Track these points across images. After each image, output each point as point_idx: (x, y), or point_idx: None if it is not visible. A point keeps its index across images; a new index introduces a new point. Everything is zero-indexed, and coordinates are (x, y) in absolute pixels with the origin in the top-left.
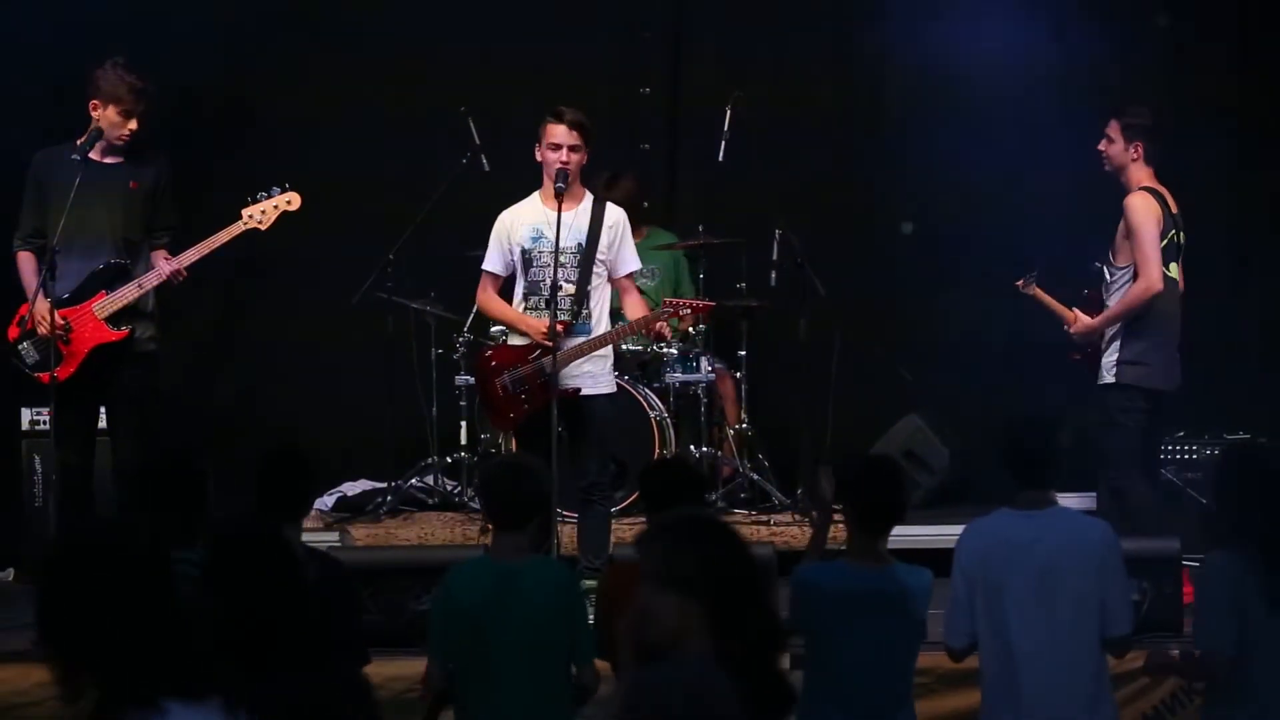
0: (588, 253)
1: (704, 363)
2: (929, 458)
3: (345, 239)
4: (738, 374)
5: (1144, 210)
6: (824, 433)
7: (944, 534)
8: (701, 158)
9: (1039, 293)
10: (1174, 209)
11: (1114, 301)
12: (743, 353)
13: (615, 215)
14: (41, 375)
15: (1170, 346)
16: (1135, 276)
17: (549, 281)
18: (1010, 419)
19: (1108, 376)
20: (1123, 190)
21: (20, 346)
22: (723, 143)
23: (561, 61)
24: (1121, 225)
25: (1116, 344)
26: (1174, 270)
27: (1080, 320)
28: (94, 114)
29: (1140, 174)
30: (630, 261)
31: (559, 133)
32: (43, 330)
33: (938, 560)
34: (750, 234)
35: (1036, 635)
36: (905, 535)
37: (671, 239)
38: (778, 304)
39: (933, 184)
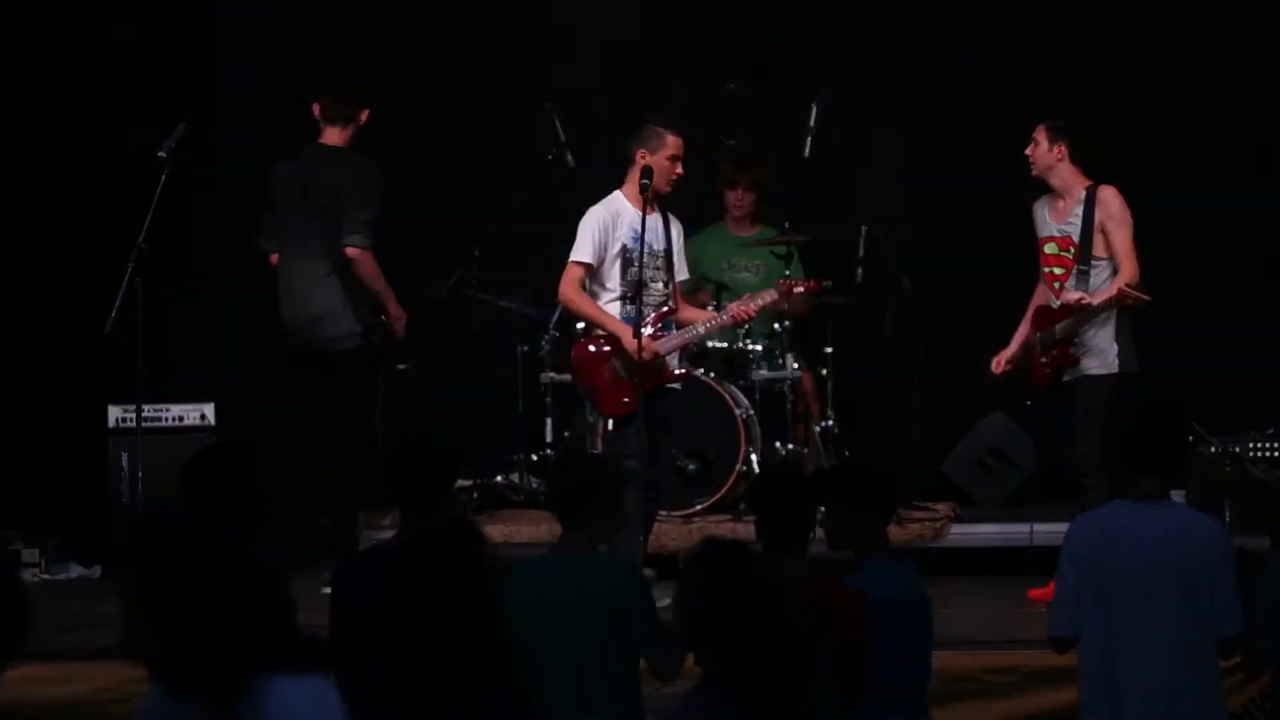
0: (672, 256)
1: (789, 359)
2: (1016, 455)
3: (430, 235)
4: (823, 370)
5: (1123, 203)
6: (910, 430)
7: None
8: (787, 154)
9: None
10: None
11: (1094, 292)
12: (829, 349)
13: (677, 224)
14: None
15: None
16: (1114, 269)
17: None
18: (1127, 410)
19: (1109, 367)
20: (1044, 189)
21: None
22: (808, 139)
23: (646, 57)
24: (1097, 217)
25: (1110, 333)
26: None
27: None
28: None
29: (1069, 172)
30: (682, 270)
31: (678, 145)
32: None
33: (1026, 555)
34: (836, 231)
35: (1141, 629)
36: (992, 533)
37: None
38: (864, 301)
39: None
